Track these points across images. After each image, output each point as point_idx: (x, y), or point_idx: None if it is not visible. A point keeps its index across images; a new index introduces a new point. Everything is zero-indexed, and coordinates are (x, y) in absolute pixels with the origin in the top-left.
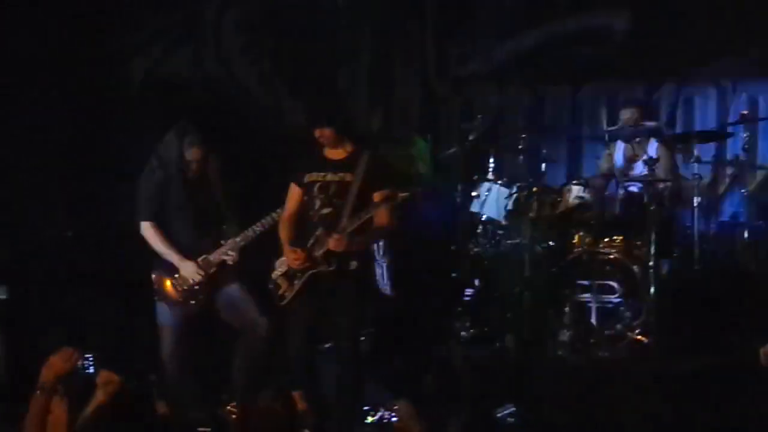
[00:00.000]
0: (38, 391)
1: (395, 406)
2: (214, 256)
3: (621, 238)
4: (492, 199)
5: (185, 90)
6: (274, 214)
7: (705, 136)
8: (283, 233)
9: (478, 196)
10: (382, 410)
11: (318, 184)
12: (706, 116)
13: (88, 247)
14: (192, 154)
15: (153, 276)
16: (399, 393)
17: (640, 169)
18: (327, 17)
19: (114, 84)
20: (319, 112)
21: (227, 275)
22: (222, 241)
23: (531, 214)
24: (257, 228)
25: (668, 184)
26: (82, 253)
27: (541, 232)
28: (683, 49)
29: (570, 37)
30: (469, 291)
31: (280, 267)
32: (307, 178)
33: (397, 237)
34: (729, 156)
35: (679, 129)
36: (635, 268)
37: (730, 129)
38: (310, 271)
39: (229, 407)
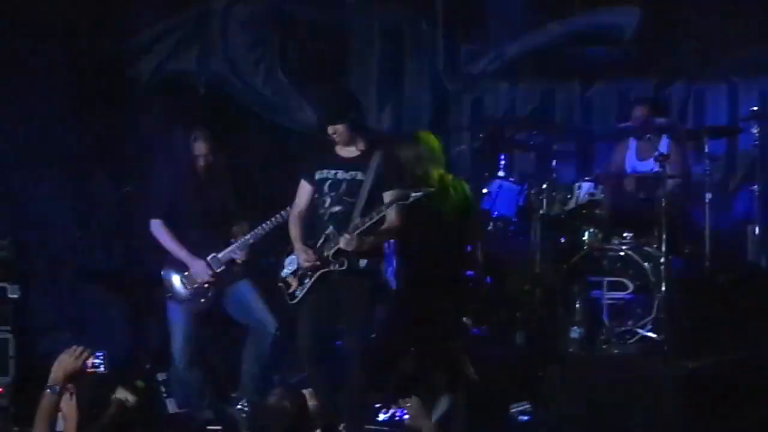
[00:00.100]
0: (48, 390)
1: (406, 403)
2: (224, 255)
3: (632, 234)
4: (503, 197)
5: (193, 88)
6: (283, 212)
7: (716, 133)
8: (293, 231)
9: (488, 194)
10: (394, 407)
11: (329, 182)
12: (717, 112)
13: (99, 246)
14: (199, 148)
15: (163, 274)
16: (410, 390)
17: (651, 165)
18: (336, 14)
19: (122, 83)
20: (332, 108)
21: (236, 273)
22: (231, 240)
23: (541, 211)
24: (266, 226)
25: (679, 180)
26: (93, 251)
27: (552, 229)
28: (694, 45)
29: (581, 34)
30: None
31: (290, 265)
32: (318, 175)
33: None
34: (740, 152)
35: (690, 125)
36: (646, 264)
37: (741, 125)
38: (321, 270)
39: (239, 405)
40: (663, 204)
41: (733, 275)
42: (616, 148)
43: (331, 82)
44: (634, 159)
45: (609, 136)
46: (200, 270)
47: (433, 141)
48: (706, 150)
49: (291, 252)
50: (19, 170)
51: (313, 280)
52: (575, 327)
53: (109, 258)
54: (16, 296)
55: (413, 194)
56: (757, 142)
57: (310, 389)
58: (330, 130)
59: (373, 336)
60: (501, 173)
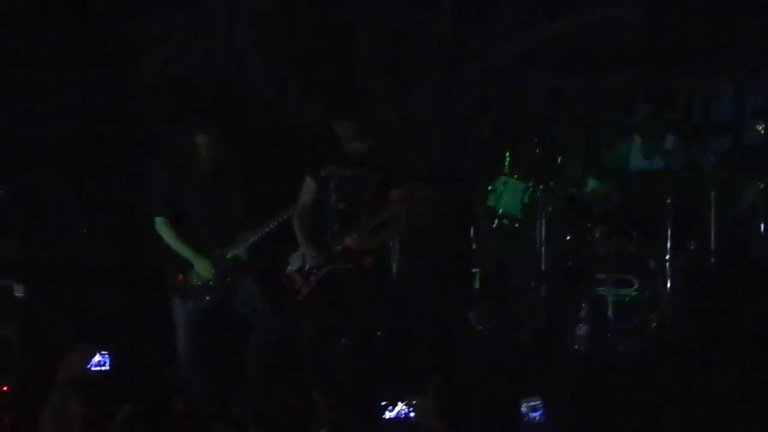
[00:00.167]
0: (55, 388)
1: (413, 401)
2: (228, 251)
3: (637, 231)
4: (508, 193)
5: (198, 86)
6: (287, 209)
7: (721, 129)
8: (299, 228)
9: (494, 190)
10: (401, 405)
11: (335, 179)
12: (722, 109)
13: (104, 244)
14: (200, 139)
15: (168, 271)
16: (416, 388)
17: (657, 161)
18: (341, 9)
19: (128, 80)
20: (340, 105)
21: (241, 270)
22: (236, 236)
23: (547, 208)
24: (271, 223)
25: (684, 176)
26: (98, 249)
27: (558, 226)
28: (701, 40)
29: (588, 28)
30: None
31: (294, 262)
32: (324, 172)
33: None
34: (745, 148)
35: (695, 121)
36: (652, 261)
37: (745, 121)
38: (327, 268)
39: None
40: (668, 200)
41: (738, 271)
42: (622, 144)
43: (337, 79)
44: (640, 154)
45: (615, 132)
46: (205, 267)
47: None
48: (711, 146)
49: (295, 249)
50: (23, 168)
51: (318, 277)
52: (581, 324)
53: (115, 256)
54: (21, 295)
55: (422, 193)
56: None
57: (316, 387)
58: (337, 127)
59: (378, 333)
60: (506, 170)
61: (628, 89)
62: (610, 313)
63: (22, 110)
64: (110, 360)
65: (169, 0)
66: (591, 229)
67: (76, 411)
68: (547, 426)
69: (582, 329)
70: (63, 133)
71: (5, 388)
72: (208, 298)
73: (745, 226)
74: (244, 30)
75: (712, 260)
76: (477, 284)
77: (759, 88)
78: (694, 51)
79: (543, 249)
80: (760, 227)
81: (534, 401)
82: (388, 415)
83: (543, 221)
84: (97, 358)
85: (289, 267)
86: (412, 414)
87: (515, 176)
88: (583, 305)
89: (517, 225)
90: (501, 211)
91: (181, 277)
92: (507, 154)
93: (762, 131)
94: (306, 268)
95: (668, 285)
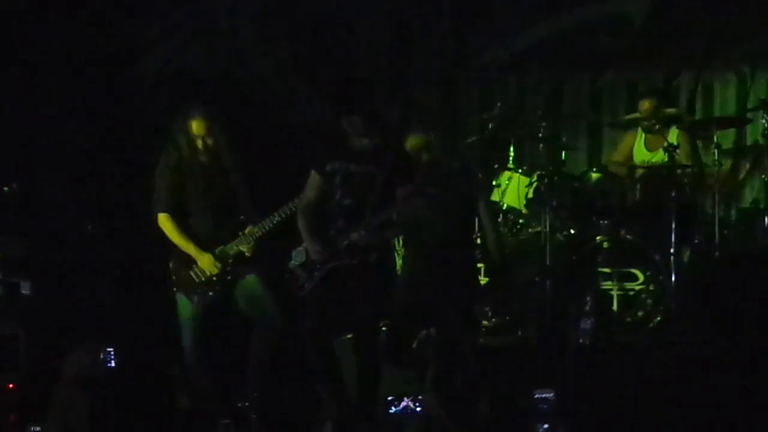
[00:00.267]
0: (60, 385)
1: (419, 395)
2: (231, 247)
3: (642, 225)
4: (512, 188)
5: (201, 83)
6: (291, 204)
7: (725, 123)
8: (303, 222)
9: (498, 185)
10: (406, 400)
11: (341, 174)
12: (725, 102)
13: (108, 241)
14: (195, 127)
15: (171, 267)
16: (422, 383)
17: (660, 156)
18: (344, 6)
19: (130, 79)
20: (348, 100)
21: (244, 266)
22: (240, 232)
23: (551, 203)
24: (275, 218)
25: (688, 170)
26: (103, 247)
27: (562, 221)
28: (703, 35)
29: (590, 24)
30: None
31: (297, 257)
32: (330, 167)
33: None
34: (749, 142)
35: (698, 115)
36: (656, 255)
37: (749, 115)
38: (332, 263)
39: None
40: (672, 194)
41: (742, 264)
42: (625, 139)
43: (339, 75)
44: (644, 148)
45: (618, 127)
46: (208, 263)
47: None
48: (715, 140)
49: (299, 244)
50: (28, 166)
51: (322, 272)
52: (586, 318)
53: (120, 254)
54: (28, 292)
55: (428, 191)
56: (766, 132)
57: (321, 383)
58: (344, 122)
59: (383, 328)
60: (510, 165)
61: (631, 84)
62: (614, 306)
63: (25, 109)
64: (115, 357)
65: None
66: (595, 223)
67: (82, 408)
68: (555, 417)
69: (587, 323)
70: (67, 132)
71: (11, 386)
72: (211, 293)
73: (749, 220)
74: (247, 27)
75: (717, 254)
76: (481, 279)
77: (762, 81)
78: (696, 45)
79: (547, 243)
80: (764, 221)
81: (546, 393)
82: (393, 410)
83: (547, 216)
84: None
85: (292, 262)
86: (418, 409)
87: (519, 171)
88: (588, 299)
89: (521, 219)
90: (505, 205)
91: (184, 272)
92: (511, 149)
93: (765, 125)
94: (309, 264)
95: (673, 279)
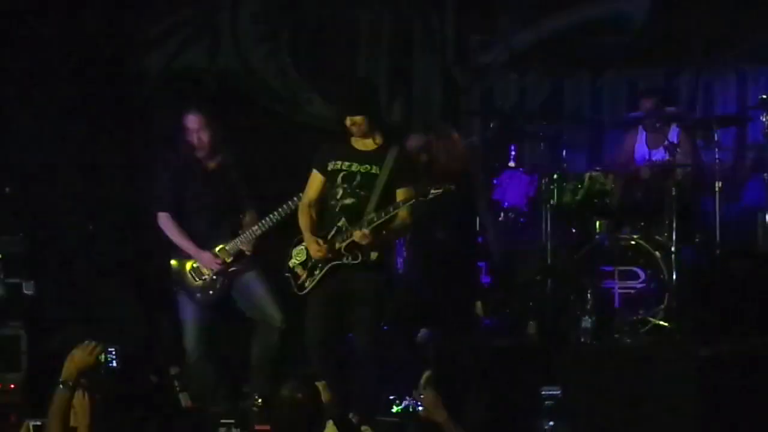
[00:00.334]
0: (61, 386)
1: (420, 395)
2: (231, 246)
3: (643, 223)
4: (513, 187)
5: (202, 82)
6: (290, 203)
7: (725, 121)
8: (303, 221)
9: (499, 184)
10: (408, 399)
11: (342, 173)
12: (726, 101)
13: (111, 241)
14: (191, 121)
15: (172, 267)
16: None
17: (661, 154)
18: (346, 6)
19: (132, 77)
20: (353, 99)
21: (244, 264)
22: (239, 231)
23: (552, 202)
24: (275, 216)
25: (689, 169)
26: (105, 246)
27: (563, 219)
28: (703, 34)
29: (590, 24)
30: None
31: (297, 255)
32: (331, 166)
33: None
34: (749, 140)
35: (699, 114)
36: (657, 253)
37: (750, 113)
38: (333, 263)
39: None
40: (673, 193)
41: (743, 263)
42: (626, 138)
43: (341, 75)
44: (644, 148)
45: (619, 126)
46: (208, 261)
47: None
48: (716, 138)
49: (299, 242)
50: (30, 166)
51: (323, 271)
52: (587, 317)
53: (121, 252)
54: (30, 293)
55: (432, 191)
56: (766, 130)
57: (322, 381)
58: (348, 121)
59: (384, 327)
60: (511, 164)
61: (632, 82)
62: (616, 305)
63: (26, 109)
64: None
65: None
66: (596, 221)
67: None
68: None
69: (588, 322)
70: (69, 131)
71: (13, 386)
72: (211, 292)
73: (749, 219)
74: (248, 27)
75: (718, 252)
76: (483, 278)
77: (762, 80)
78: (697, 43)
79: (548, 242)
80: (765, 219)
81: (553, 390)
82: (395, 408)
83: (548, 214)
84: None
85: (292, 260)
86: (419, 407)
87: (520, 170)
88: (589, 298)
89: (522, 218)
90: (506, 204)
91: (185, 272)
92: (512, 147)
93: (766, 122)
94: (310, 262)
95: (674, 277)
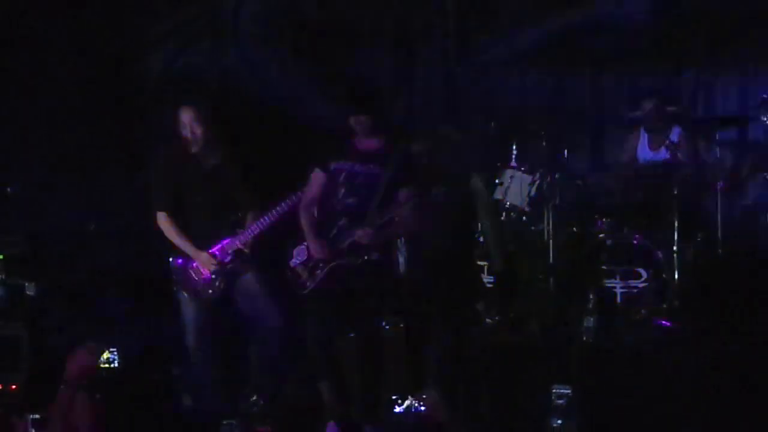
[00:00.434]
0: (63, 385)
1: (423, 394)
2: (230, 244)
3: (645, 223)
4: (515, 186)
5: (204, 81)
6: (288, 200)
7: (727, 121)
8: (305, 220)
9: (501, 184)
10: (410, 399)
11: (345, 173)
12: (727, 101)
13: (112, 242)
14: (184, 116)
15: (171, 267)
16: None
17: (663, 154)
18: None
19: (134, 77)
20: (357, 99)
21: (244, 264)
22: (238, 230)
23: (554, 201)
24: (274, 215)
25: (691, 169)
26: (106, 247)
27: (565, 219)
28: (705, 34)
29: (592, 23)
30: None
31: (298, 255)
32: (334, 165)
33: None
34: (750, 140)
35: (700, 114)
36: (659, 253)
37: (751, 113)
38: (334, 262)
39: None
40: (675, 192)
41: (745, 262)
42: (628, 138)
43: (344, 75)
44: (646, 148)
45: (620, 126)
46: (206, 262)
47: (455, 137)
48: (717, 138)
49: (299, 241)
50: (32, 167)
51: (325, 271)
52: (589, 316)
53: (123, 254)
54: (32, 293)
55: (434, 192)
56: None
57: (324, 382)
58: (352, 121)
59: (385, 327)
60: (513, 163)
61: (633, 82)
62: (618, 305)
63: (27, 109)
64: (119, 357)
65: None
66: (598, 221)
67: (85, 408)
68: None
69: (590, 321)
70: (70, 131)
71: (14, 387)
72: (211, 291)
73: (751, 218)
74: (250, 27)
75: (719, 251)
76: (485, 277)
77: (764, 80)
78: (698, 43)
79: (550, 241)
80: (766, 219)
81: (563, 388)
82: (397, 409)
83: (550, 214)
84: (106, 355)
85: (293, 260)
86: (422, 407)
87: (522, 169)
88: (591, 297)
89: (524, 218)
90: (508, 203)
91: (184, 271)
92: (513, 147)
93: (767, 122)
94: (311, 262)
95: (676, 276)
